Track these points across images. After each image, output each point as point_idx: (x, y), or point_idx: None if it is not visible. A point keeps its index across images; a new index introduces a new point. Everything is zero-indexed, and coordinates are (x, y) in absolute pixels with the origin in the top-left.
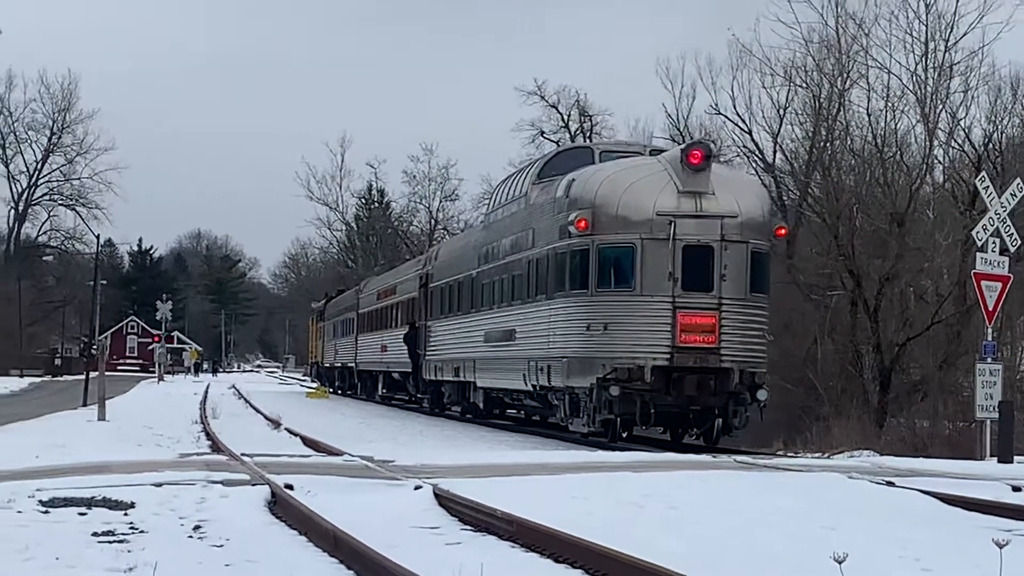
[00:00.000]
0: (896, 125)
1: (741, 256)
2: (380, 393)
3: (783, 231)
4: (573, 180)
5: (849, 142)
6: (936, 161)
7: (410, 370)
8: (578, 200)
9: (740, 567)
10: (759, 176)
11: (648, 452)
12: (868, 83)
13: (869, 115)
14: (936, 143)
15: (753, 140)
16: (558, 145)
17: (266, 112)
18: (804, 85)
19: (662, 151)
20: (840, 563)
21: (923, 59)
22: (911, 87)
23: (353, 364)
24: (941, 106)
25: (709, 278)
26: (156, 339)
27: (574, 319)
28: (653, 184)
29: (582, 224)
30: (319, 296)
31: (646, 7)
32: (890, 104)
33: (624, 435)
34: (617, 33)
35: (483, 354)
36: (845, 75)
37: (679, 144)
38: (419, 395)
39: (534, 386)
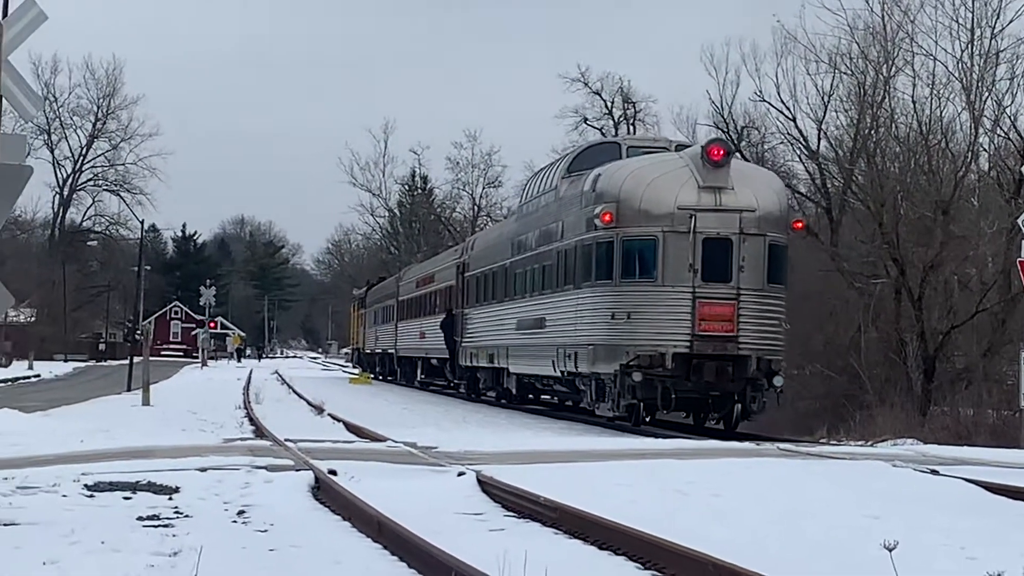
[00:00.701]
0: (941, 112)
1: (759, 248)
2: (419, 379)
3: (800, 224)
4: (599, 175)
5: (894, 129)
6: (981, 149)
7: (447, 356)
8: (604, 194)
9: (785, 555)
10: (803, 164)
11: (691, 440)
12: (913, 70)
13: (914, 102)
14: (981, 131)
15: (797, 127)
16: (601, 132)
17: (310, 99)
18: (849, 72)
19: (686, 146)
20: (891, 551)
21: (969, 46)
22: (957, 74)
23: (393, 350)
24: (987, 93)
25: (728, 269)
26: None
27: (599, 308)
28: (675, 179)
29: (607, 217)
30: (361, 282)
31: None
32: (935, 91)
33: (647, 419)
34: (661, 19)
35: (515, 341)
36: (890, 62)
37: (723, 130)
38: (456, 381)
39: (563, 372)
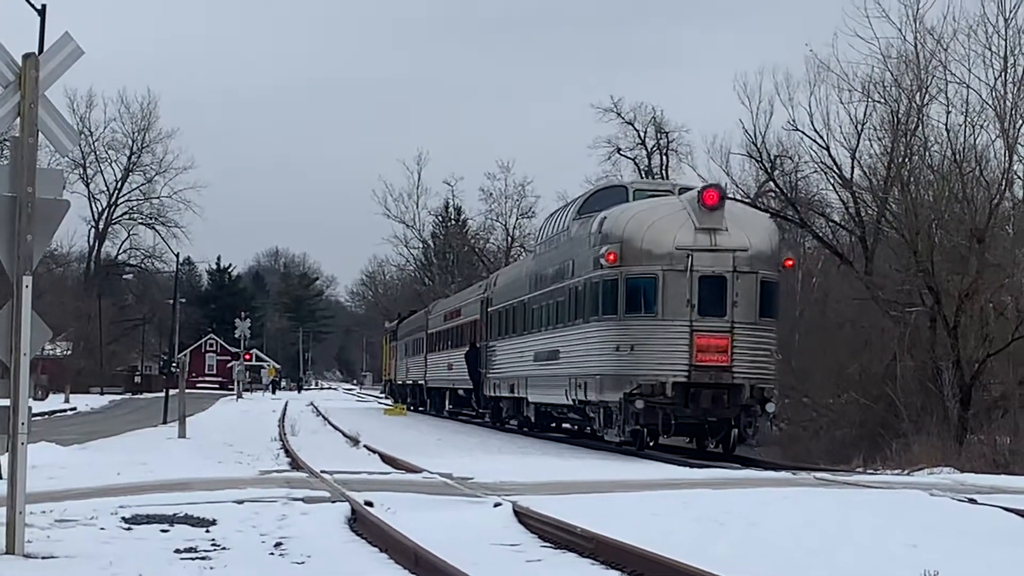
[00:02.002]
0: (975, 140)
1: (751, 285)
2: (447, 409)
3: (790, 262)
4: (605, 217)
5: (928, 158)
6: (1016, 176)
7: (472, 387)
8: (609, 235)
9: None
10: (837, 192)
11: (726, 469)
12: (947, 98)
13: (948, 130)
14: (1016, 158)
15: (831, 156)
16: (635, 162)
17: (343, 132)
18: (882, 100)
19: (689, 189)
20: None
21: (1003, 74)
22: (990, 102)
23: (423, 381)
24: (1021, 121)
25: (723, 304)
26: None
27: (605, 341)
28: (673, 221)
29: (611, 257)
30: (395, 314)
31: (725, 23)
32: (969, 119)
33: (651, 444)
34: (695, 49)
35: (533, 372)
36: (924, 90)
37: (756, 159)
38: (481, 410)
39: (574, 400)
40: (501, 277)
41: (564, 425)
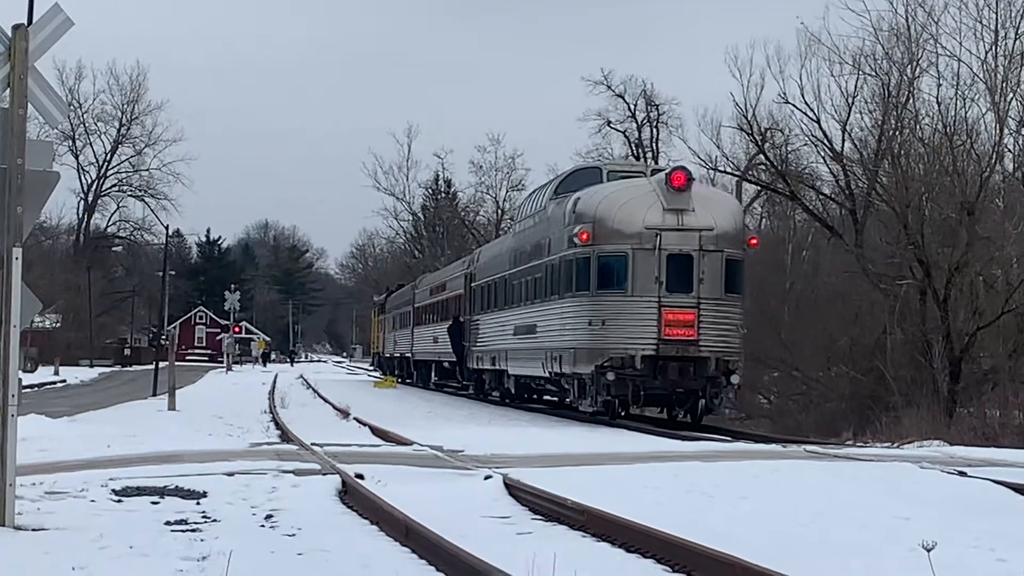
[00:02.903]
0: (966, 113)
1: (717, 263)
2: (433, 381)
3: (755, 241)
4: (579, 198)
5: (918, 131)
6: (1006, 149)
7: (456, 360)
8: (582, 215)
9: (814, 557)
10: (828, 165)
11: (717, 442)
12: (938, 71)
13: (939, 103)
14: (1006, 131)
15: (821, 129)
16: (625, 135)
17: (335, 105)
18: (873, 73)
19: (661, 170)
20: (929, 551)
21: (993, 47)
22: (981, 75)
23: (410, 354)
24: (1012, 94)
25: (689, 281)
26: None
27: (579, 316)
28: (643, 202)
29: (584, 236)
30: (385, 287)
31: None
32: (960, 92)
33: (622, 414)
34: (686, 21)
35: (513, 345)
36: (914, 63)
37: (747, 132)
38: (465, 382)
39: (551, 373)
40: (484, 253)
41: (545, 397)
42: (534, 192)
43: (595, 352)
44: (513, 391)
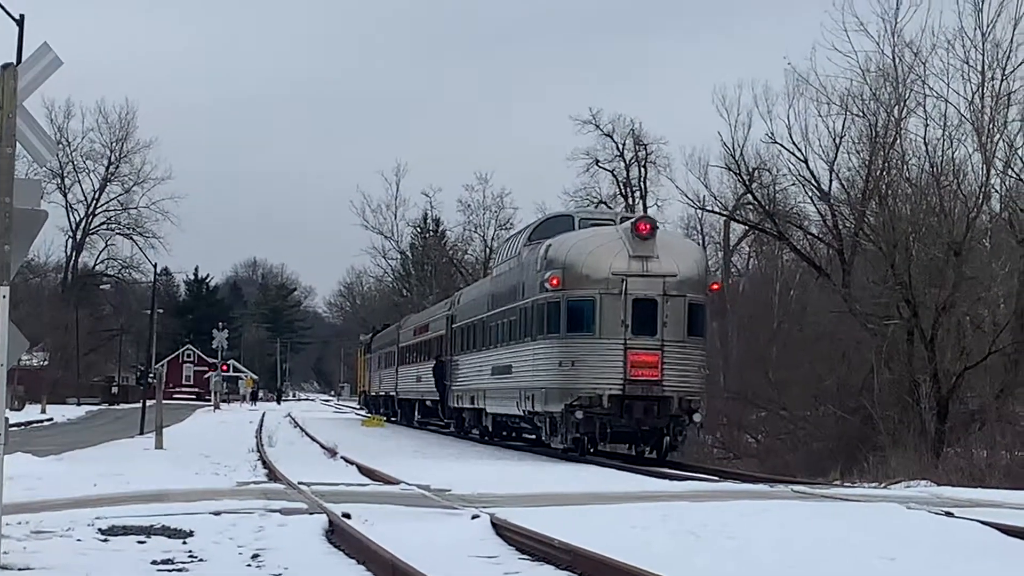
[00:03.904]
0: (953, 154)
1: (680, 307)
2: (417, 419)
3: (716, 286)
4: (550, 245)
5: (906, 171)
6: (993, 190)
7: (438, 398)
8: (553, 261)
9: None
10: (815, 205)
11: (704, 482)
12: (925, 112)
13: (926, 144)
14: (993, 172)
15: (809, 168)
16: (613, 174)
17: (323, 143)
18: (861, 114)
19: (630, 218)
20: None
21: (980, 88)
22: (968, 116)
23: (394, 393)
24: (998, 135)
25: (654, 325)
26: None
27: (550, 357)
28: (610, 249)
29: (555, 281)
30: (375, 324)
31: (704, 37)
32: (947, 133)
33: (591, 450)
34: (674, 62)
35: (491, 385)
36: (902, 104)
37: (735, 172)
38: (447, 420)
39: (525, 411)
40: (464, 296)
41: (524, 435)
42: (510, 238)
43: (565, 392)
44: (491, 429)
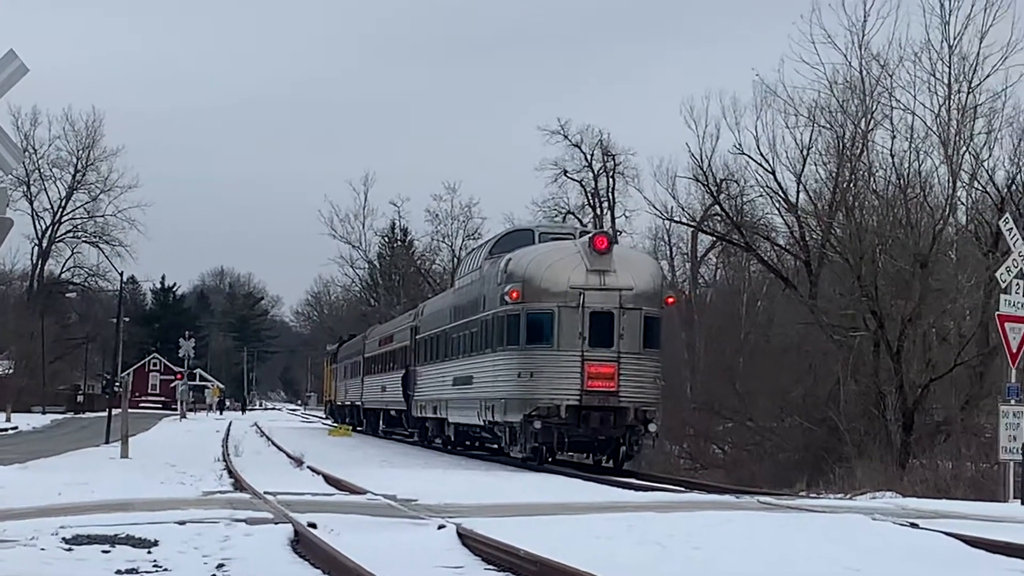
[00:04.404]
0: (919, 166)
1: (636, 320)
2: (382, 429)
3: (671, 300)
4: (510, 259)
5: (872, 183)
6: (959, 202)
7: (404, 408)
8: (512, 275)
9: None
10: (783, 217)
11: (670, 492)
12: (892, 124)
13: (893, 156)
14: (959, 184)
15: (776, 180)
16: (581, 184)
17: (290, 151)
18: (828, 126)
19: (588, 233)
20: None
21: (947, 101)
22: (935, 128)
23: (360, 403)
24: (964, 147)
25: (610, 337)
26: (179, 377)
27: (509, 368)
28: (568, 263)
29: (514, 295)
30: (342, 334)
31: (673, 48)
32: (914, 145)
33: (549, 459)
34: (643, 72)
35: (453, 395)
36: (869, 116)
37: (702, 183)
38: (411, 430)
39: (485, 421)
40: (428, 307)
41: (487, 444)
42: (473, 251)
43: (524, 402)
44: (453, 438)
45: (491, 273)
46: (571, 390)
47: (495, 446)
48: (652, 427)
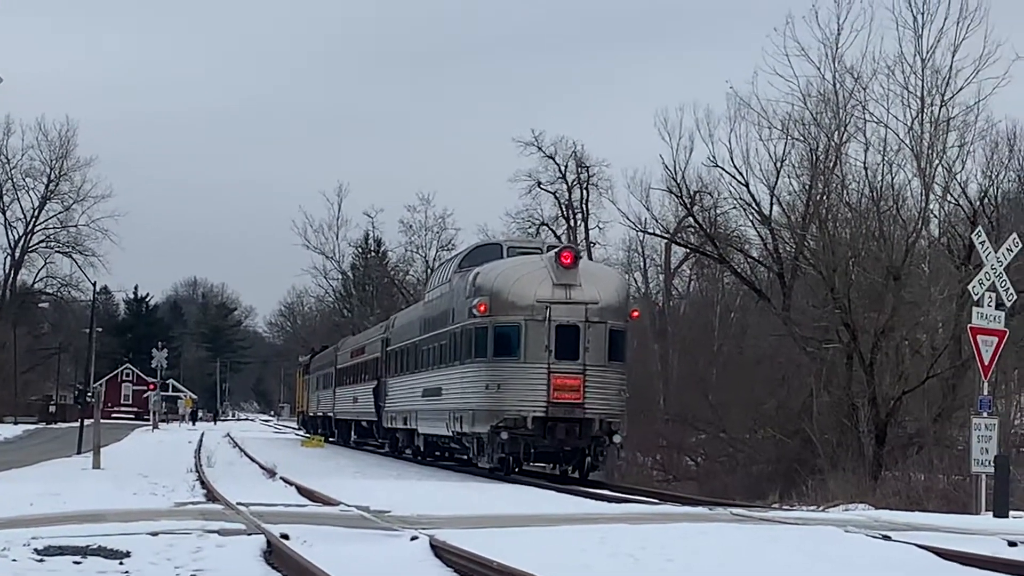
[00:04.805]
0: (892, 179)
1: (601, 333)
2: (353, 439)
3: (636, 313)
4: (478, 273)
5: (846, 195)
6: (932, 215)
7: (375, 419)
8: (480, 288)
9: None
10: (756, 229)
11: (642, 504)
12: (865, 137)
13: (866, 169)
14: (932, 197)
15: (750, 192)
16: (555, 196)
17: (264, 161)
18: (801, 138)
19: (554, 247)
20: None
21: (919, 114)
22: (908, 141)
23: (332, 414)
24: (937, 160)
25: (576, 350)
26: (151, 387)
27: (477, 380)
28: (535, 278)
29: (482, 308)
30: (315, 345)
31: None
32: (886, 158)
33: (516, 470)
34: (617, 84)
35: (422, 406)
36: (842, 129)
37: (676, 194)
38: (381, 440)
39: (453, 432)
40: (399, 319)
41: (456, 455)
42: (442, 265)
43: (492, 413)
44: (423, 449)
45: (460, 286)
46: (537, 402)
47: (464, 457)
48: (617, 438)
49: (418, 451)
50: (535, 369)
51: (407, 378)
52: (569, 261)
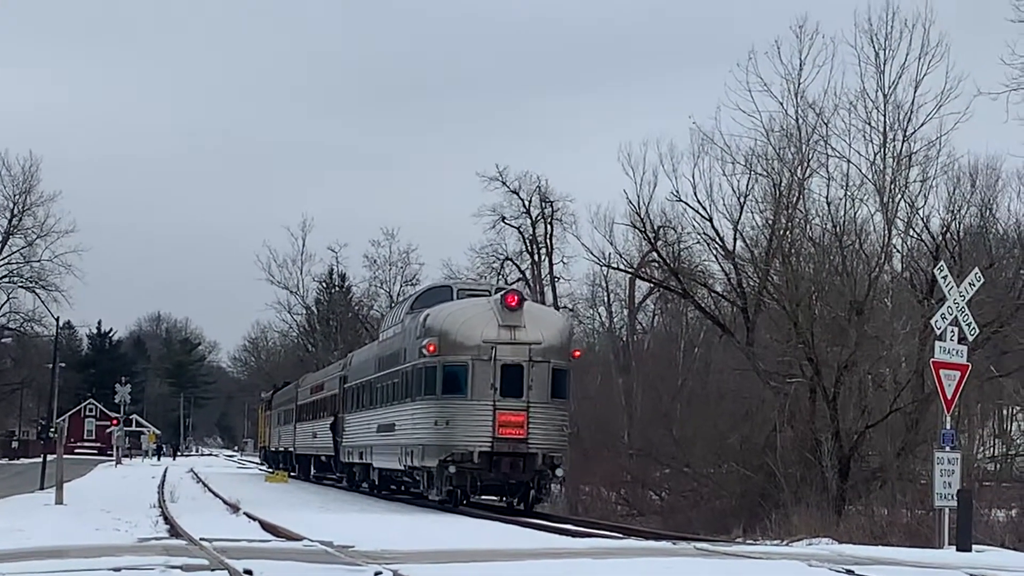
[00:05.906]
0: (855, 214)
1: (544, 372)
2: (313, 474)
3: (577, 353)
4: (428, 314)
5: (809, 230)
6: (895, 250)
7: (333, 454)
8: (430, 329)
9: None
10: (720, 264)
11: (608, 539)
12: (828, 172)
13: (829, 204)
14: (895, 232)
15: (714, 227)
16: (519, 231)
17: (228, 196)
18: (764, 173)
19: (502, 289)
20: None
21: (882, 149)
22: (870, 176)
23: (292, 448)
24: (900, 195)
25: (520, 388)
26: (115, 422)
27: (427, 416)
28: (482, 319)
29: (431, 348)
30: (279, 380)
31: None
32: (849, 193)
33: (464, 502)
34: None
35: (377, 442)
36: (805, 164)
37: (640, 229)
38: (340, 474)
39: (406, 466)
40: (356, 357)
41: (411, 489)
42: (396, 305)
43: (440, 448)
44: (378, 482)
45: (412, 327)
46: (483, 437)
47: (416, 490)
48: (559, 472)
49: (373, 485)
50: (481, 406)
51: (363, 414)
52: (514, 303)
